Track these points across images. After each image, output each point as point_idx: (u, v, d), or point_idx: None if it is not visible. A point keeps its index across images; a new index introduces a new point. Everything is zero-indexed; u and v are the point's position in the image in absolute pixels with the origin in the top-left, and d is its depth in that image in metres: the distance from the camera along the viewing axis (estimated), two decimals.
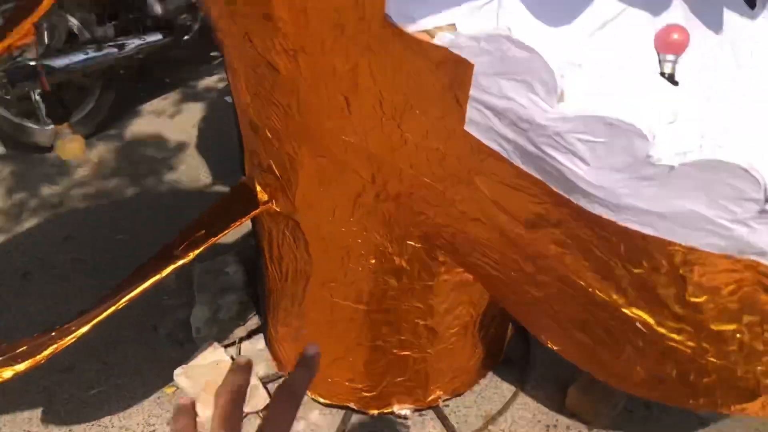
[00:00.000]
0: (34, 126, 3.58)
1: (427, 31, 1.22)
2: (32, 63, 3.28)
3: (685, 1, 1.36)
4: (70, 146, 1.32)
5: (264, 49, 1.40)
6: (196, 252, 1.68)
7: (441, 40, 1.20)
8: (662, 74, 1.29)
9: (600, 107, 1.13)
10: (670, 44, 1.28)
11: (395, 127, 1.38)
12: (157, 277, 1.65)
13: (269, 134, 1.63)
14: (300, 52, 1.34)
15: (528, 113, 1.17)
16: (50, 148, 3.65)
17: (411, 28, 1.21)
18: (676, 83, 1.29)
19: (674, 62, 1.29)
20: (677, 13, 1.34)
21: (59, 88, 3.47)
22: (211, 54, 5.00)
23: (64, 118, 3.05)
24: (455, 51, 1.18)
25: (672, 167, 1.12)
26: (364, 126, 1.42)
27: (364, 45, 1.26)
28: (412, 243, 1.70)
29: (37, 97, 3.47)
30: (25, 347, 1.65)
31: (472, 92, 1.23)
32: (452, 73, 1.22)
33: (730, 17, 1.40)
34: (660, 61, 1.29)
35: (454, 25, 1.22)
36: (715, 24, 1.39)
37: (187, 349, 2.40)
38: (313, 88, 1.39)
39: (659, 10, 1.33)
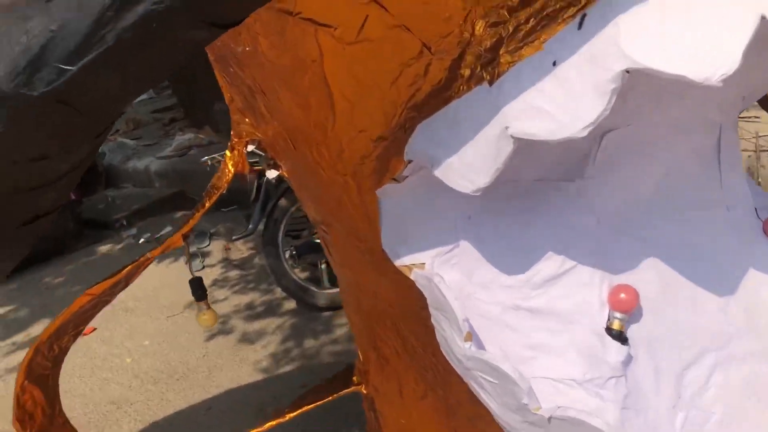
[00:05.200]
0: (315, 289, 4.50)
1: (407, 266, 1.55)
2: (317, 241, 4.25)
3: (661, 261, 1.43)
4: (204, 317, 1.94)
5: None
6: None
7: (413, 275, 1.52)
8: (608, 330, 1.38)
9: (491, 354, 1.31)
10: (618, 302, 1.38)
11: (405, 340, 1.70)
12: None
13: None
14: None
15: (454, 346, 1.40)
16: (327, 308, 4.52)
17: (398, 263, 1.56)
18: (624, 340, 1.37)
19: (622, 320, 1.37)
20: (646, 274, 1.42)
21: None
22: None
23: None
24: (418, 286, 1.50)
25: (547, 418, 1.23)
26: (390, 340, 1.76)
27: (376, 270, 1.65)
28: None
29: (323, 266, 4.41)
30: None
31: (432, 320, 1.50)
32: (423, 302, 1.52)
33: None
34: (609, 317, 1.39)
35: (424, 264, 1.53)
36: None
37: None
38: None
39: (625, 264, 1.43)
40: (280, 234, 4.40)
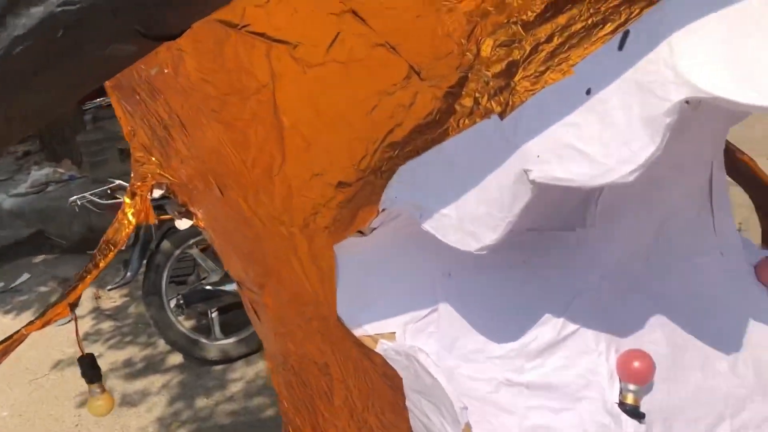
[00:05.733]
0: (206, 341, 4.06)
1: (371, 337, 1.27)
2: (208, 287, 3.82)
3: (668, 320, 1.25)
4: (97, 405, 1.55)
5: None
6: None
7: (380, 348, 1.24)
8: (621, 405, 1.17)
9: None
10: (631, 373, 1.17)
11: (363, 423, 1.40)
12: None
13: None
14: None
15: None
16: (220, 361, 4.08)
17: (358, 332, 1.28)
18: (640, 417, 1.16)
19: (636, 393, 1.17)
20: (654, 335, 1.23)
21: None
22: None
23: None
24: (389, 361, 1.21)
25: None
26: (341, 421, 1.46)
27: (328, 341, 1.35)
28: None
29: (214, 315, 3.98)
30: None
31: (407, 404, 1.23)
32: (393, 381, 1.24)
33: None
34: (621, 390, 1.18)
35: (394, 333, 1.26)
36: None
37: None
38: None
39: (632, 325, 1.24)
40: (164, 281, 3.93)
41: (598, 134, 0.90)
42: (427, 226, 1.05)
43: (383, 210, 1.13)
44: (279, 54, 1.03)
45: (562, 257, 1.23)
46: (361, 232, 1.20)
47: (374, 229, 1.21)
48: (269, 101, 1.10)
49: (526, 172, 0.93)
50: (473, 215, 1.00)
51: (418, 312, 1.26)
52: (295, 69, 1.04)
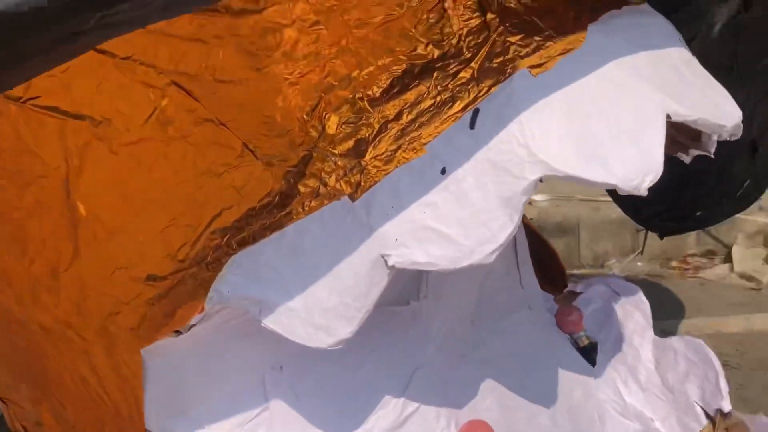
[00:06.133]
0: None
1: None
2: None
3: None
4: None
5: None
6: None
7: None
8: None
9: None
10: None
11: None
12: None
13: None
14: None
15: None
16: None
17: None
18: None
19: None
20: (486, 402, 1.23)
21: None
22: None
23: None
24: None
25: None
26: None
27: None
28: None
29: None
30: None
31: None
32: None
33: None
34: None
35: None
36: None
37: None
38: None
39: (467, 394, 1.23)
40: None
41: (456, 214, 0.86)
42: (269, 322, 0.92)
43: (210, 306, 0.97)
44: (77, 131, 0.84)
45: (399, 333, 1.18)
46: (177, 331, 1.03)
47: (193, 326, 1.04)
48: (59, 187, 0.89)
49: (384, 257, 0.86)
50: (324, 307, 0.90)
51: (245, 414, 1.11)
52: (99, 149, 0.86)
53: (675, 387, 1.40)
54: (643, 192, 0.85)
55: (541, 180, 0.85)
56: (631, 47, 0.93)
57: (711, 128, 0.96)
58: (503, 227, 0.85)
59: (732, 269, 2.95)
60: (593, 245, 3.20)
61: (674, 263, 3.14)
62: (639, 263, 3.13)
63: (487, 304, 1.31)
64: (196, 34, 0.83)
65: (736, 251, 3.00)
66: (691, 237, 3.07)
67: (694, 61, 1.04)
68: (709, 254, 3.15)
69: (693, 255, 3.16)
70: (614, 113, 0.88)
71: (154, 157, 0.87)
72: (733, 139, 1.01)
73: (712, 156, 1.17)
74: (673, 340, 1.50)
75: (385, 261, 0.86)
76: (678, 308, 2.69)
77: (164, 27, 0.80)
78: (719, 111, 0.96)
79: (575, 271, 3.09)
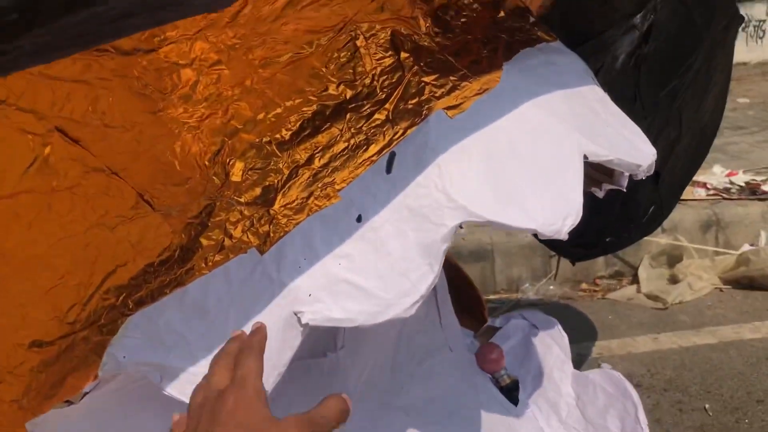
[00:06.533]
0: None
1: None
2: None
3: None
4: None
5: None
6: None
7: None
8: None
9: None
10: None
11: None
12: None
13: None
14: None
15: None
16: None
17: None
18: None
19: None
20: None
21: None
22: None
23: None
24: None
25: None
26: None
27: None
28: None
29: None
30: None
31: None
32: None
33: None
34: None
35: None
36: None
37: None
38: None
39: None
40: None
41: (374, 265, 0.81)
42: (173, 391, 0.83)
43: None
44: None
45: (317, 387, 1.10)
46: (69, 402, 0.92)
47: (86, 393, 0.94)
48: None
49: (296, 314, 0.80)
50: None
51: None
52: None
53: (595, 421, 1.40)
54: (564, 236, 0.82)
55: (461, 226, 0.81)
56: (546, 86, 0.91)
57: (627, 167, 0.95)
58: (423, 277, 0.80)
59: (639, 290, 3.04)
60: (507, 270, 3.24)
61: (585, 285, 3.21)
62: (551, 287, 3.18)
63: (407, 348, 1.26)
64: (81, 75, 0.75)
65: (642, 272, 3.10)
66: (600, 260, 3.15)
67: (608, 99, 1.04)
68: (618, 276, 3.25)
69: (602, 277, 3.24)
70: (531, 155, 0.85)
71: (35, 211, 0.78)
72: (646, 176, 1.02)
73: (624, 190, 1.18)
74: (591, 374, 1.50)
75: (299, 318, 0.79)
76: (590, 330, 2.74)
77: (43, 68, 0.71)
78: (635, 150, 0.95)
79: (491, 296, 3.12)
